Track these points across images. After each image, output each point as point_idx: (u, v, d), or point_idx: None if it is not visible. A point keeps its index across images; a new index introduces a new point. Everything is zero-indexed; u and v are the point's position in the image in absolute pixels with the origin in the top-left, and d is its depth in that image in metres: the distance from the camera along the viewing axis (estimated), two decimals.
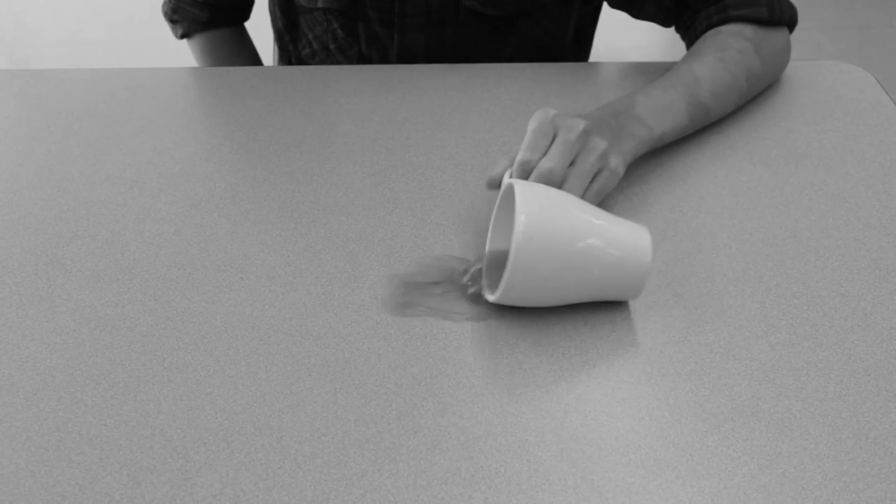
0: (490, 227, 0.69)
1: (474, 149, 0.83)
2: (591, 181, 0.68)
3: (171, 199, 0.77)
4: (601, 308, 0.66)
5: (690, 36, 0.91)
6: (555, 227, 0.60)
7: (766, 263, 0.70)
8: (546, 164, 0.66)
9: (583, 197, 0.67)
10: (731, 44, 0.85)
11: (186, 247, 0.72)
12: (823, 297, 0.67)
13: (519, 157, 0.67)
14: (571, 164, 0.67)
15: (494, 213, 0.68)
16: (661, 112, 0.77)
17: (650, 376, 0.61)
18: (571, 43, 1.06)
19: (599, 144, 0.68)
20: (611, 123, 0.72)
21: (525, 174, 0.66)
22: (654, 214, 0.75)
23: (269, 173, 0.80)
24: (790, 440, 0.57)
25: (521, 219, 0.59)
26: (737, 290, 0.68)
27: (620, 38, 1.87)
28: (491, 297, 0.64)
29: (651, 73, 0.93)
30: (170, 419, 0.58)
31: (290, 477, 0.55)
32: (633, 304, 0.66)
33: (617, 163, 0.70)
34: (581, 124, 0.68)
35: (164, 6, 1.08)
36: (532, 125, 0.68)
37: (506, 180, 0.67)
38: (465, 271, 0.68)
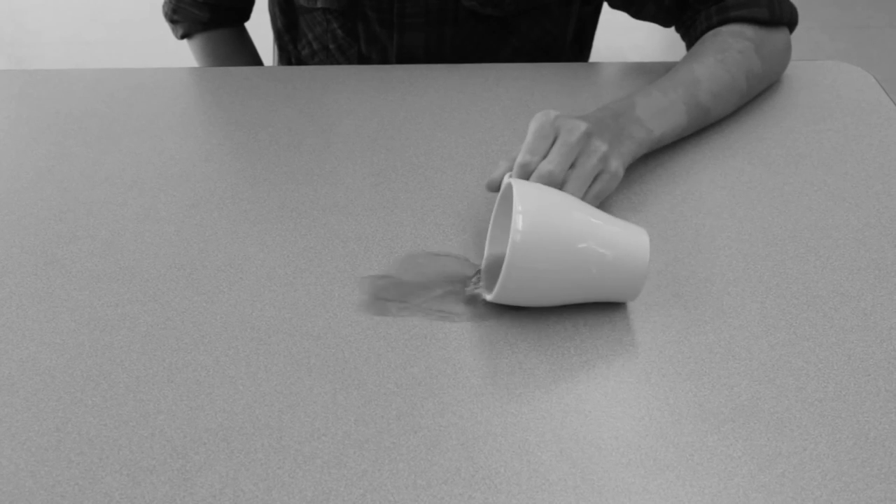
0: (490, 228, 0.69)
1: (474, 149, 0.83)
2: (591, 184, 0.68)
3: (170, 199, 0.77)
4: (601, 308, 0.66)
5: (691, 36, 0.91)
6: (552, 226, 0.60)
7: (765, 263, 0.70)
8: (546, 166, 0.66)
9: (582, 199, 0.67)
10: (732, 44, 0.84)
11: (186, 247, 0.72)
12: (823, 297, 0.67)
13: (519, 160, 0.67)
14: (572, 166, 0.67)
15: (494, 213, 0.68)
16: (660, 113, 0.77)
17: (650, 376, 0.61)
18: (571, 43, 1.06)
19: (600, 147, 0.68)
20: (610, 125, 0.72)
21: (525, 176, 0.66)
22: (654, 214, 0.75)
23: (269, 173, 0.80)
24: (790, 440, 0.57)
25: (518, 217, 0.59)
26: (736, 290, 0.68)
27: (620, 38, 1.87)
28: (489, 297, 0.64)
29: (651, 73, 0.93)
30: (170, 419, 0.58)
31: (290, 477, 0.55)
32: (632, 305, 0.66)
33: (617, 165, 0.70)
34: (582, 126, 0.68)
35: (164, 6, 1.08)
36: (533, 126, 0.68)
37: (505, 181, 0.66)
38: (471, 277, 0.68)
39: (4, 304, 0.67)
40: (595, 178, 0.68)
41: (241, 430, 0.58)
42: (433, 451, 0.56)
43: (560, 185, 0.66)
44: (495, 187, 0.69)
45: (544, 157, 0.67)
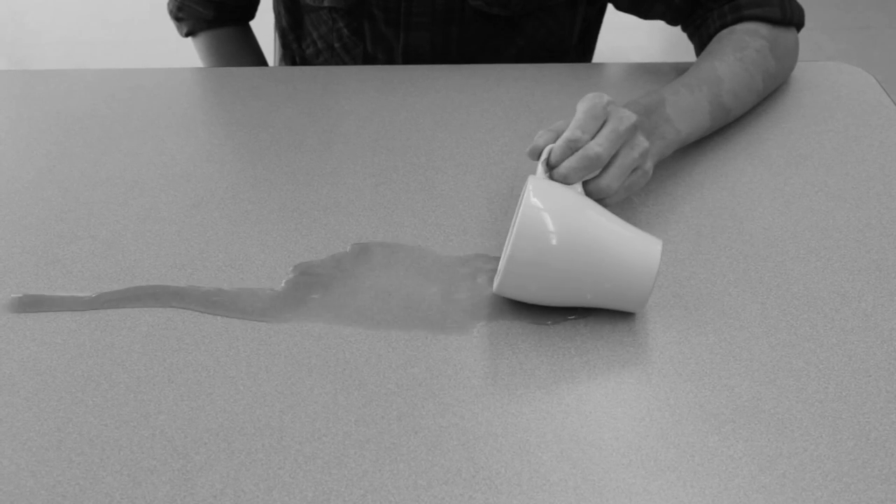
0: (511, 223, 0.69)
1: (475, 149, 0.83)
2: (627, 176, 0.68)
3: (171, 199, 0.77)
4: (602, 308, 0.65)
5: (701, 34, 0.91)
6: (560, 220, 0.61)
7: (766, 264, 0.70)
8: (594, 148, 0.64)
9: (616, 189, 0.67)
10: (749, 42, 0.84)
11: (187, 247, 0.72)
12: (824, 298, 0.67)
13: (567, 134, 0.65)
14: (615, 154, 0.67)
15: (517, 211, 0.68)
16: (687, 113, 0.77)
17: (651, 377, 0.61)
18: (576, 45, 1.06)
19: (643, 142, 0.68)
20: (644, 122, 0.72)
21: (570, 152, 0.65)
22: (655, 215, 0.75)
23: (270, 174, 0.80)
24: (791, 441, 0.57)
25: (525, 209, 0.60)
26: (737, 290, 0.68)
27: (622, 38, 1.87)
28: (493, 288, 0.65)
29: (652, 73, 0.93)
30: (170, 419, 0.58)
31: (290, 477, 0.55)
32: None
33: (650, 165, 0.69)
34: (633, 118, 0.67)
35: (169, 4, 1.08)
36: (584, 106, 0.66)
37: (543, 156, 0.66)
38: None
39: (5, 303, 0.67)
40: (631, 173, 0.68)
41: (242, 430, 0.58)
42: (434, 451, 0.56)
43: (601, 170, 0.66)
44: (536, 155, 0.67)
45: (593, 137, 0.66)
